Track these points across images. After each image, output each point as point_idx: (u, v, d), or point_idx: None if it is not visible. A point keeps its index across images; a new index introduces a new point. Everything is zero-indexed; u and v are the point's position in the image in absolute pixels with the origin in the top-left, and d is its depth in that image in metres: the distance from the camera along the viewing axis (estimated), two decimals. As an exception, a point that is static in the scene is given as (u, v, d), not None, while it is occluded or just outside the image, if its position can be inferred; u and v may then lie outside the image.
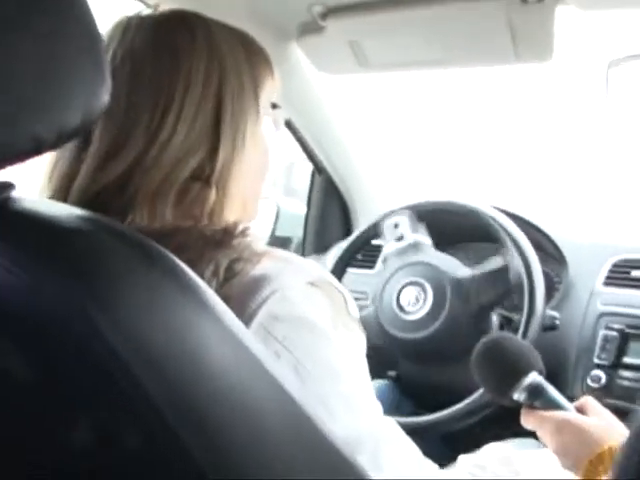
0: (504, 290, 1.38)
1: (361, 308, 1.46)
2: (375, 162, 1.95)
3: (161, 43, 0.76)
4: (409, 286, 1.44)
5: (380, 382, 1.54)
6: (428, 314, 1.39)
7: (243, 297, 0.65)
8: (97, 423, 0.46)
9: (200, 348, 0.49)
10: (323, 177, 1.93)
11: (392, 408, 1.48)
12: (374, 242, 1.78)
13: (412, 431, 1.27)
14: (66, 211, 0.57)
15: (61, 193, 0.73)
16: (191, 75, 0.74)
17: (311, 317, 0.67)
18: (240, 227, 0.71)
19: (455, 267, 1.45)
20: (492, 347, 0.92)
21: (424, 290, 1.41)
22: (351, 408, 0.68)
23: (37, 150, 0.53)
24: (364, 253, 1.82)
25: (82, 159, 0.73)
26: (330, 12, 1.27)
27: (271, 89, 0.82)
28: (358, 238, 1.63)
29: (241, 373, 0.51)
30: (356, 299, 0.82)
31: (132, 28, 0.77)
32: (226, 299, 0.56)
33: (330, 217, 2.01)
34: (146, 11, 0.81)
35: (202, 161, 0.73)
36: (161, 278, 0.52)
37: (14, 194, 0.56)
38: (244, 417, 0.49)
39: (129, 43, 0.75)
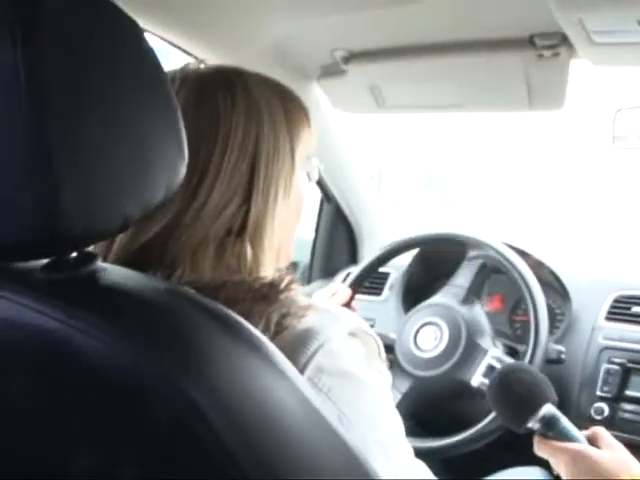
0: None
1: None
2: (381, 193, 2.00)
3: (202, 103, 0.78)
4: (426, 326, 1.49)
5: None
6: (444, 352, 1.44)
7: (293, 351, 0.67)
8: None
9: (279, 412, 0.53)
10: (331, 205, 1.99)
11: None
12: (381, 269, 1.83)
13: (422, 454, 1.34)
14: (151, 284, 0.60)
15: (103, 250, 0.75)
16: (230, 136, 0.76)
17: (352, 368, 0.70)
18: (285, 281, 0.73)
19: (468, 308, 1.51)
20: (509, 378, 0.94)
21: (440, 329, 1.46)
22: (388, 455, 0.71)
23: (124, 227, 0.56)
24: (371, 280, 1.87)
25: None
26: (352, 57, 1.32)
27: (307, 141, 0.84)
28: (365, 269, 1.67)
29: (311, 428, 0.55)
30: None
31: (177, 82, 0.79)
32: None
33: (337, 243, 2.06)
34: (191, 65, 0.82)
35: (236, 217, 0.76)
36: (238, 344, 0.55)
37: (99, 265, 0.58)
38: (317, 472, 0.52)
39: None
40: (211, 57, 0.85)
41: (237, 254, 0.75)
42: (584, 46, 1.08)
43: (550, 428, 0.90)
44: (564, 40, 1.13)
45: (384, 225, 2.04)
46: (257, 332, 0.58)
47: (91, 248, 0.74)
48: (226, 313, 0.58)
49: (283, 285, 0.73)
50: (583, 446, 0.88)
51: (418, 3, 1.09)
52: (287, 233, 0.84)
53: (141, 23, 0.58)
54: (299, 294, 0.74)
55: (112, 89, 0.54)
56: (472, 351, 1.41)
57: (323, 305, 0.75)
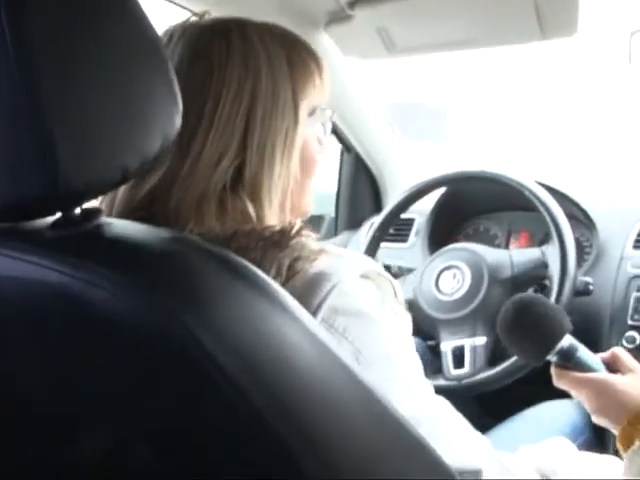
0: (540, 276, 1.43)
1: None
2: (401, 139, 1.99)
3: (197, 53, 0.77)
4: (448, 269, 1.49)
5: (417, 342, 1.57)
6: (465, 295, 1.44)
7: (306, 293, 0.68)
8: (200, 428, 0.50)
9: (288, 350, 0.53)
10: (352, 155, 1.98)
11: (428, 366, 1.52)
12: (405, 216, 1.83)
13: (450, 391, 1.35)
14: (156, 233, 0.60)
15: (106, 206, 0.76)
16: (223, 87, 0.75)
17: (366, 308, 0.71)
18: (295, 227, 0.73)
19: (489, 251, 1.51)
20: (524, 312, 0.91)
21: (462, 273, 1.46)
22: (406, 391, 0.71)
23: (124, 180, 0.57)
24: (396, 227, 1.87)
25: None
26: (357, 1, 1.30)
27: (317, 93, 0.82)
28: (390, 213, 1.67)
29: (325, 371, 0.55)
30: (392, 274, 0.84)
31: (174, 39, 0.78)
32: None
33: (360, 193, 2.06)
34: (192, 19, 0.81)
35: (234, 172, 0.75)
36: (247, 289, 0.56)
37: (104, 220, 0.59)
38: (333, 411, 0.53)
39: (170, 54, 0.75)
40: (212, 10, 0.84)
41: (238, 209, 0.75)
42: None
43: (568, 359, 0.89)
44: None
45: (406, 171, 2.03)
46: (265, 276, 0.58)
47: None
48: (234, 258, 0.58)
49: (294, 231, 0.73)
50: (604, 376, 0.88)
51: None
52: (297, 189, 0.82)
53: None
54: (310, 239, 0.74)
55: (99, 42, 0.54)
56: (493, 295, 1.41)
57: (335, 249, 0.75)
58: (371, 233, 1.64)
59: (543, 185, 1.49)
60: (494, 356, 1.41)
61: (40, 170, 0.52)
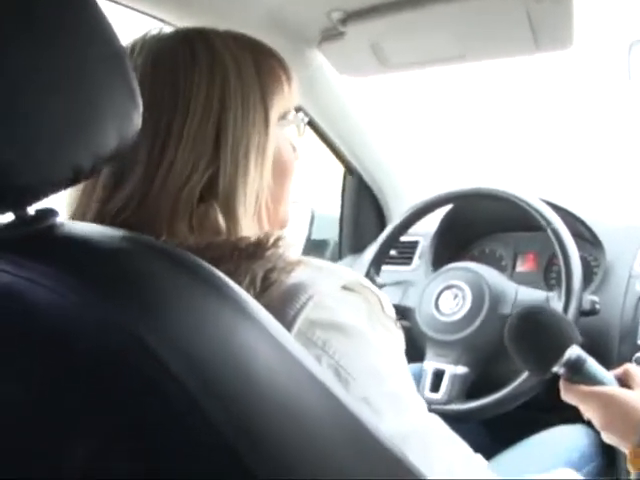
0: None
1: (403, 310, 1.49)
2: (404, 158, 1.96)
3: (160, 63, 0.74)
4: (449, 289, 1.46)
5: (414, 366, 1.54)
6: (461, 320, 1.40)
7: (281, 306, 0.65)
8: (151, 440, 0.46)
9: (250, 359, 0.50)
10: (354, 177, 1.95)
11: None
12: (409, 238, 1.80)
13: (456, 417, 1.31)
14: (109, 233, 0.58)
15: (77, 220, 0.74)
16: (191, 96, 0.73)
17: (348, 321, 0.67)
18: (272, 238, 0.71)
19: (494, 275, 1.47)
20: (530, 322, 0.90)
21: (463, 295, 1.43)
22: (396, 407, 0.68)
23: (76, 178, 0.54)
24: (400, 250, 1.84)
25: (94, 191, 0.74)
26: (349, 17, 1.29)
27: (286, 97, 0.80)
28: (391, 234, 1.64)
29: (289, 381, 0.52)
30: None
31: (136, 51, 0.76)
32: (264, 308, 0.58)
33: (364, 217, 2.03)
34: (153, 31, 0.79)
35: (207, 182, 0.73)
36: (207, 293, 0.53)
37: (58, 220, 0.57)
38: (296, 423, 0.49)
39: (132, 65, 0.74)
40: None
41: (211, 220, 0.72)
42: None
43: (577, 371, 0.86)
44: (564, -28, 1.08)
45: (411, 193, 2.00)
46: (224, 277, 0.56)
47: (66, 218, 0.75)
48: (190, 258, 0.56)
49: (270, 242, 0.70)
50: (614, 389, 0.84)
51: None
52: (273, 197, 0.80)
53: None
54: (289, 250, 0.71)
55: (41, 36, 0.51)
56: (488, 328, 1.38)
57: (315, 261, 0.72)
58: (372, 254, 1.61)
59: (548, 203, 1.46)
60: (472, 389, 1.37)
61: None
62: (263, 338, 0.53)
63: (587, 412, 0.86)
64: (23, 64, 0.50)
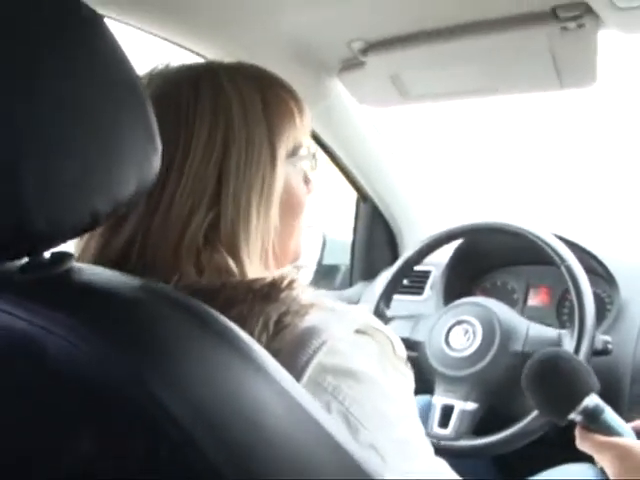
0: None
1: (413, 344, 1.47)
2: (419, 188, 1.96)
3: (164, 101, 0.73)
4: (459, 324, 1.44)
5: (422, 398, 1.52)
6: (472, 356, 1.38)
7: (293, 350, 0.64)
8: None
9: (256, 409, 0.50)
10: (368, 204, 1.95)
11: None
12: (421, 268, 1.78)
13: (466, 453, 1.29)
14: (124, 280, 0.58)
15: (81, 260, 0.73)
16: (192, 136, 0.72)
17: (360, 367, 0.67)
18: (286, 280, 0.70)
19: (505, 311, 1.45)
20: (549, 367, 0.89)
21: (474, 331, 1.41)
22: (404, 453, 0.67)
23: (94, 224, 0.54)
24: (411, 279, 1.82)
25: (93, 234, 0.73)
26: (370, 47, 1.28)
27: (298, 132, 0.79)
28: (403, 265, 1.62)
29: (296, 432, 0.52)
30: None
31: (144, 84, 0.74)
32: (276, 352, 0.57)
33: (376, 243, 2.02)
34: (159, 67, 0.78)
35: (205, 225, 0.72)
36: (215, 342, 0.53)
37: (74, 264, 0.57)
38: (299, 470, 0.49)
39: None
40: (225, 57, 0.82)
41: (216, 263, 0.71)
42: (608, 13, 1.02)
43: (593, 420, 0.85)
44: (588, 10, 1.07)
45: (424, 221, 1.99)
46: (233, 326, 0.55)
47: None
48: (203, 309, 0.55)
49: (285, 284, 0.69)
50: (631, 441, 0.83)
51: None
52: (282, 235, 0.78)
53: (143, 24, 0.56)
54: (303, 292, 0.70)
55: (70, 84, 0.51)
56: (499, 365, 1.36)
57: (328, 302, 0.71)
58: (383, 285, 1.60)
59: (561, 238, 1.44)
60: (481, 425, 1.35)
61: (7, 215, 0.49)
62: (272, 389, 0.53)
63: (602, 462, 0.84)
64: (58, 115, 0.50)
